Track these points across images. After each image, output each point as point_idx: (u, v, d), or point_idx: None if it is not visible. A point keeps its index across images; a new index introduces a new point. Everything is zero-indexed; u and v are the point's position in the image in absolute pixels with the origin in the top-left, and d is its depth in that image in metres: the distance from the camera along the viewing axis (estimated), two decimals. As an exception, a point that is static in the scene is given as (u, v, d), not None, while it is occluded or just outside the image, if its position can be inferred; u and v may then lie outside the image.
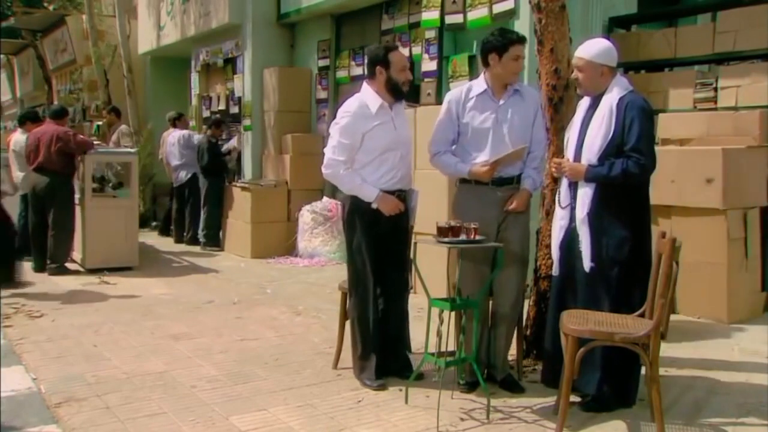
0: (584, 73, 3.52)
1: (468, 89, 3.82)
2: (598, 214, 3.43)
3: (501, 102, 3.76)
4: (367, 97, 3.87)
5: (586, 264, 3.44)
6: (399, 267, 3.96)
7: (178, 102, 11.99)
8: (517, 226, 3.77)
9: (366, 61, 4.03)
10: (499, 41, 3.71)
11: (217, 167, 9.23)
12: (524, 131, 3.77)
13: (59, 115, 7.71)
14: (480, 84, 3.80)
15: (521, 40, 3.75)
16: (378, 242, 3.85)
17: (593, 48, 3.53)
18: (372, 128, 3.80)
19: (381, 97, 3.84)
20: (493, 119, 3.74)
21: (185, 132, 9.90)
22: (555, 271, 3.65)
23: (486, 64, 3.78)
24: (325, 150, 3.91)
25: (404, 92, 3.91)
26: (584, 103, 3.64)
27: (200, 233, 9.36)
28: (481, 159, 3.73)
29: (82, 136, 7.99)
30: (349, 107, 3.86)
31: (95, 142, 8.38)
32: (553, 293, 3.74)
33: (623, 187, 3.40)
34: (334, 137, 3.85)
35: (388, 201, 3.80)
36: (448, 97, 3.89)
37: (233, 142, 9.90)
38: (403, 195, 3.91)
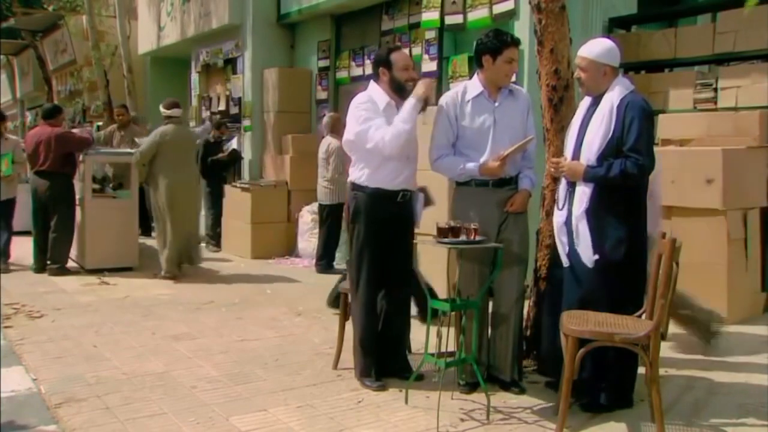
0: (587, 73, 3.53)
1: (463, 92, 3.82)
2: (596, 214, 3.43)
3: (497, 103, 3.78)
4: (375, 94, 3.88)
5: (589, 258, 3.41)
6: (402, 269, 3.96)
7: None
8: (517, 226, 3.78)
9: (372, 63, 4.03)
10: (493, 43, 3.72)
11: (210, 169, 9.22)
12: (520, 130, 3.82)
13: (52, 114, 7.62)
14: (475, 86, 3.81)
15: (516, 42, 3.76)
16: (382, 243, 3.85)
17: (596, 47, 3.54)
18: None
19: (388, 96, 3.85)
20: (492, 121, 3.75)
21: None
22: (565, 263, 3.61)
23: (480, 65, 3.80)
24: (368, 137, 3.73)
25: (409, 91, 3.87)
26: (585, 102, 3.64)
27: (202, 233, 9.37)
28: (483, 160, 3.73)
29: (80, 134, 7.99)
30: (362, 98, 3.87)
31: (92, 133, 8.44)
32: (549, 293, 3.74)
33: (621, 187, 3.40)
34: (361, 114, 3.76)
35: (420, 86, 3.74)
36: (443, 100, 3.88)
37: (233, 144, 9.91)
38: (407, 195, 3.92)
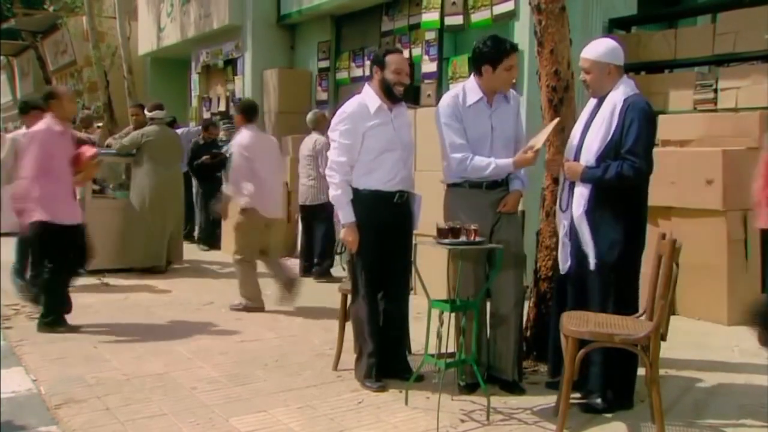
0: (591, 74, 3.52)
1: (463, 95, 3.80)
2: (593, 215, 3.43)
3: (493, 109, 3.79)
4: (367, 97, 3.88)
5: (592, 262, 3.43)
6: (401, 270, 3.96)
7: (179, 103, 12.00)
8: (510, 226, 3.79)
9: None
10: (493, 53, 3.69)
11: (197, 171, 9.15)
12: (513, 133, 3.86)
13: None
14: (475, 91, 3.79)
15: (514, 48, 3.76)
16: (381, 245, 3.85)
17: (599, 47, 3.54)
18: (370, 128, 3.80)
19: (380, 98, 3.85)
20: (489, 126, 3.77)
21: (182, 129, 9.94)
22: (562, 269, 3.63)
23: (478, 73, 3.78)
24: (329, 153, 3.91)
25: (396, 94, 3.86)
26: (590, 103, 3.64)
27: (196, 234, 9.38)
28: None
29: (80, 136, 7.98)
30: (347, 108, 3.87)
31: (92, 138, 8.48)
32: (555, 293, 3.75)
33: (620, 189, 3.40)
34: (335, 140, 3.85)
35: (350, 233, 3.80)
36: (446, 102, 3.83)
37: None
38: (404, 196, 3.92)
